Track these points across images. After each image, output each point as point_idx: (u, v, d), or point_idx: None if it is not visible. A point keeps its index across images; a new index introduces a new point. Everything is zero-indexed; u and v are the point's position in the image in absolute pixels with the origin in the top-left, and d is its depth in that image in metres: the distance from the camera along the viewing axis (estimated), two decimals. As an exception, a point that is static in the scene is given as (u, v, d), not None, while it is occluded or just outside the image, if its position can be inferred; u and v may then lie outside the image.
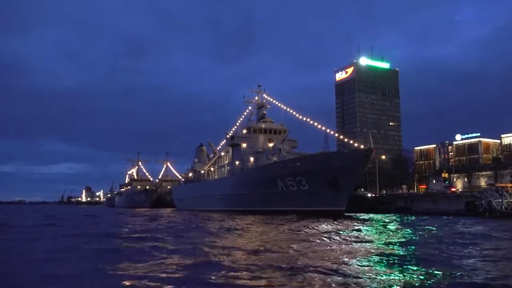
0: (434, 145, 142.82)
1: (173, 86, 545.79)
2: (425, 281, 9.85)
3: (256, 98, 76.34)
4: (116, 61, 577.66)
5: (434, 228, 25.40)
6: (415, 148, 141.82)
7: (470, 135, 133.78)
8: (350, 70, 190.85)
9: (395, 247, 16.93)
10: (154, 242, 18.13)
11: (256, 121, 73.02)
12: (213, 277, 10.28)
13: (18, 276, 11.15)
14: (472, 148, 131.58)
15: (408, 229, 25.69)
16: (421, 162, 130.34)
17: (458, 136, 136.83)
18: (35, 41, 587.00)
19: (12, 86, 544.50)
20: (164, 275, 10.83)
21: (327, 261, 12.77)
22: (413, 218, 39.54)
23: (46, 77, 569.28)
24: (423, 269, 11.38)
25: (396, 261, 12.92)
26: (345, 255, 13.74)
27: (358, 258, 13.04)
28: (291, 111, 66.52)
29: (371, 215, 45.55)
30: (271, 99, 72.98)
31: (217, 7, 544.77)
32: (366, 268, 11.53)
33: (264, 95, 75.39)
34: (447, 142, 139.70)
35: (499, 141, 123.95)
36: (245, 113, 77.69)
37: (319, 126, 59.83)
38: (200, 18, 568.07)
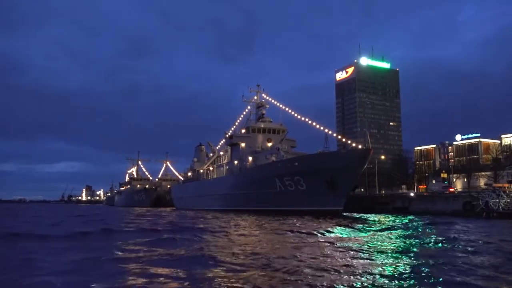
0: (434, 145, 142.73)
1: (173, 85, 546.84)
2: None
3: (255, 97, 76.42)
4: (117, 60, 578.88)
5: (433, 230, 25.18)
6: (415, 148, 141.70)
7: (470, 136, 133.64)
8: (350, 70, 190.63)
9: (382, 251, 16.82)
10: (147, 247, 16.90)
11: (255, 121, 73.03)
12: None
13: None
14: (472, 148, 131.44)
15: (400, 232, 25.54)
16: (421, 162, 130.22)
17: (458, 137, 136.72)
18: (36, 40, 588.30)
19: (13, 85, 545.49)
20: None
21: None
22: (411, 218, 39.38)
23: (47, 76, 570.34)
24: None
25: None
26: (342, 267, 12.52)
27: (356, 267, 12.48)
28: (290, 110, 66.56)
29: (371, 215, 45.40)
30: (270, 99, 73.06)
31: (218, 7, 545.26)
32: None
33: (263, 94, 75.46)
34: (447, 142, 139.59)
35: (499, 141, 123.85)
36: (244, 113, 77.82)
37: (318, 126, 59.74)
38: (201, 17, 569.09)
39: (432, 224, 29.42)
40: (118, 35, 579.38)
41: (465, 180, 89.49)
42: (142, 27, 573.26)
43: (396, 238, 20.91)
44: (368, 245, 17.29)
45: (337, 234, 22.75)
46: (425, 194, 60.03)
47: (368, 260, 13.18)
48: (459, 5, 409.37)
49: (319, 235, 22.25)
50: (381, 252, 15.05)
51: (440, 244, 17.94)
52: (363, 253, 14.94)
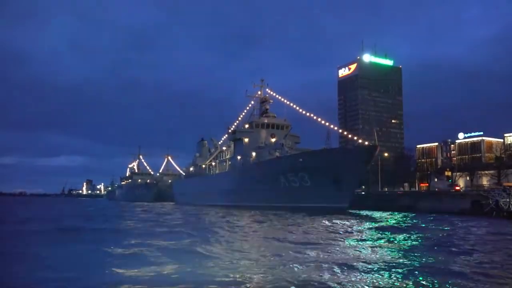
0: (437, 144, 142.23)
1: (176, 80, 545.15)
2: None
3: (259, 92, 75.84)
4: (119, 54, 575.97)
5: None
6: (417, 146, 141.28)
7: (472, 134, 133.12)
8: (353, 66, 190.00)
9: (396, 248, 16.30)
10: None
11: (259, 116, 72.55)
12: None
13: None
14: (475, 147, 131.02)
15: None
16: (423, 160, 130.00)
17: (460, 135, 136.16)
18: (38, 33, 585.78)
19: (15, 78, 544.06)
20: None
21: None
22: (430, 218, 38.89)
23: (49, 69, 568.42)
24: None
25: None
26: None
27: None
28: (294, 105, 66.08)
29: (378, 213, 44.86)
30: (274, 94, 72.51)
31: (223, 2, 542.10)
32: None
33: (267, 89, 74.91)
34: (449, 140, 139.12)
35: (502, 140, 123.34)
36: (248, 108, 77.33)
37: (323, 122, 59.35)
38: (205, 12, 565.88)
39: (452, 224, 28.72)
40: (121, 29, 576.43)
41: (467, 178, 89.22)
42: (145, 21, 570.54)
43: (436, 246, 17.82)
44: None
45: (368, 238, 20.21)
46: (426, 192, 59.87)
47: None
48: (464, 3, 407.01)
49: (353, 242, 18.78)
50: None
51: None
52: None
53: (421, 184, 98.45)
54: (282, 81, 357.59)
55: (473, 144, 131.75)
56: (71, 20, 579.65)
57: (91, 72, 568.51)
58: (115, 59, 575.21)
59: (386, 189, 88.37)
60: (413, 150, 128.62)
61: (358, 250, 15.43)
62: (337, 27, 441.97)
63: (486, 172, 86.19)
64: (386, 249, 16.04)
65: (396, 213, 43.91)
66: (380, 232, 22.58)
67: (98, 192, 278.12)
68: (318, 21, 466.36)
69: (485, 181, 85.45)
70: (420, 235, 21.48)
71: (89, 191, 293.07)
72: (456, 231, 23.95)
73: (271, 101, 73.41)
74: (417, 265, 12.38)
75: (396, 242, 18.58)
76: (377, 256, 14.09)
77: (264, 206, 52.79)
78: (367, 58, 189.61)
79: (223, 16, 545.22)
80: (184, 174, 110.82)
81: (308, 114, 61.83)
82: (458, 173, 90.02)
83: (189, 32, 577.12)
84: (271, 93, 73.36)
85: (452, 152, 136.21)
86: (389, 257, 13.75)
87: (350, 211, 45.84)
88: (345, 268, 11.51)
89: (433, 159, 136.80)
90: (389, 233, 22.21)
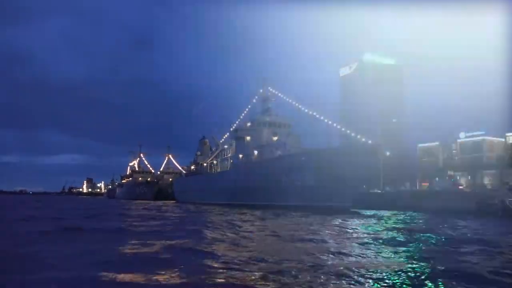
0: (438, 143, 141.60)
1: (176, 78, 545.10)
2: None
3: (261, 91, 75.55)
4: (120, 53, 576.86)
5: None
6: (419, 145, 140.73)
7: (474, 133, 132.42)
8: (354, 65, 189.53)
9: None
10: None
11: (261, 114, 72.32)
12: None
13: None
14: (476, 146, 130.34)
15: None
16: (424, 159, 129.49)
17: (462, 134, 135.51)
18: (39, 32, 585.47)
19: (16, 76, 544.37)
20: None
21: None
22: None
23: (49, 68, 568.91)
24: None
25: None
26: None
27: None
28: (296, 103, 65.71)
29: (383, 212, 44.60)
30: (276, 92, 72.20)
31: (223, 1, 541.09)
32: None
33: (268, 88, 74.57)
34: (451, 140, 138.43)
35: (503, 139, 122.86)
36: (249, 106, 77.18)
37: (326, 120, 59.04)
38: (205, 11, 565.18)
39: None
40: (122, 28, 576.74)
41: (469, 178, 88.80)
42: (146, 20, 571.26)
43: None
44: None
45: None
46: (429, 191, 59.50)
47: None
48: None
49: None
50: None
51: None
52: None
53: (423, 184, 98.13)
54: (283, 80, 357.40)
55: (475, 143, 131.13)
56: (71, 20, 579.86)
57: (92, 70, 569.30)
58: (115, 58, 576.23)
59: (388, 188, 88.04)
60: (414, 149, 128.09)
61: (376, 251, 14.94)
62: (338, 26, 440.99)
63: (488, 171, 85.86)
64: (403, 249, 15.52)
65: (399, 212, 43.66)
66: (391, 232, 22.18)
67: (98, 190, 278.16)
68: (319, 20, 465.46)
69: (487, 181, 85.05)
70: (434, 235, 20.88)
71: (90, 190, 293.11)
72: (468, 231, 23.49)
73: (273, 99, 73.19)
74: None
75: (411, 242, 17.98)
76: (396, 257, 13.65)
77: (266, 205, 52.53)
78: (369, 57, 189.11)
79: (224, 15, 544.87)
80: (185, 172, 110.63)
81: (310, 112, 61.56)
82: (459, 172, 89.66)
83: (189, 30, 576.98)
84: (273, 91, 73.15)
85: (454, 151, 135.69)
86: (409, 259, 13.29)
87: (353, 210, 45.57)
88: (365, 270, 11.10)
89: (435, 158, 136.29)
90: (401, 232, 21.78)
